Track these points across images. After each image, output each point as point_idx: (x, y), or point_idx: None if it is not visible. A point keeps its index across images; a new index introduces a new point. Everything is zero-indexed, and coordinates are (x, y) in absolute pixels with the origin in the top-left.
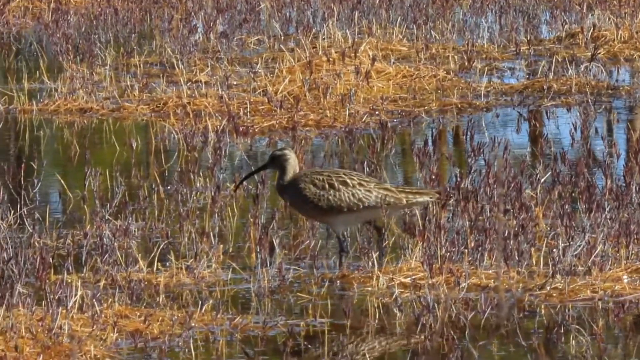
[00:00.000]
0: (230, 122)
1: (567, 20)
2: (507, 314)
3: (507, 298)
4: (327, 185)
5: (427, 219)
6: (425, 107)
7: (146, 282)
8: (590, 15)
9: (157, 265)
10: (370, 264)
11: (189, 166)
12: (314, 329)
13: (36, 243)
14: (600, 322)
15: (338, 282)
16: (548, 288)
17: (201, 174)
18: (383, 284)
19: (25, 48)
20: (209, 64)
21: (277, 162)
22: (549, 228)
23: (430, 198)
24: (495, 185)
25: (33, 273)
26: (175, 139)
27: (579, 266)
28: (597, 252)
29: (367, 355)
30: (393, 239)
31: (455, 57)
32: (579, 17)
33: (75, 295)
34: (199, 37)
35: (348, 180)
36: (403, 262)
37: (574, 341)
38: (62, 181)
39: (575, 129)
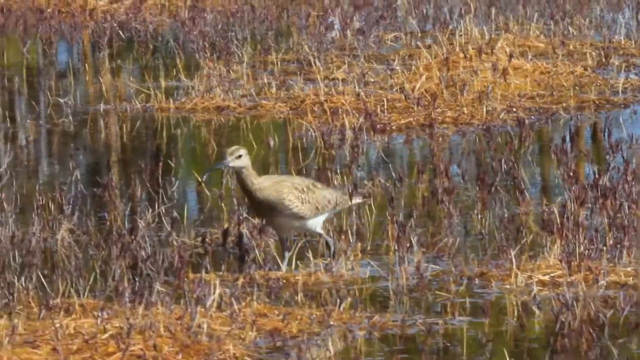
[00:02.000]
0: (368, 120)
1: None
2: None
3: None
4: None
5: (565, 216)
6: (563, 104)
7: (284, 281)
8: None
9: (295, 264)
10: (508, 261)
11: (326, 164)
12: (453, 327)
13: (174, 241)
14: None
15: (477, 280)
16: None
17: (338, 171)
18: (521, 282)
19: (162, 46)
20: (346, 61)
21: None
22: None
23: (362, 200)
24: (633, 182)
25: (171, 272)
26: (312, 136)
27: None
28: None
29: (506, 354)
30: (531, 236)
31: (593, 53)
32: None
33: (214, 293)
34: (336, 34)
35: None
36: (541, 259)
37: None
38: (199, 179)
39: None
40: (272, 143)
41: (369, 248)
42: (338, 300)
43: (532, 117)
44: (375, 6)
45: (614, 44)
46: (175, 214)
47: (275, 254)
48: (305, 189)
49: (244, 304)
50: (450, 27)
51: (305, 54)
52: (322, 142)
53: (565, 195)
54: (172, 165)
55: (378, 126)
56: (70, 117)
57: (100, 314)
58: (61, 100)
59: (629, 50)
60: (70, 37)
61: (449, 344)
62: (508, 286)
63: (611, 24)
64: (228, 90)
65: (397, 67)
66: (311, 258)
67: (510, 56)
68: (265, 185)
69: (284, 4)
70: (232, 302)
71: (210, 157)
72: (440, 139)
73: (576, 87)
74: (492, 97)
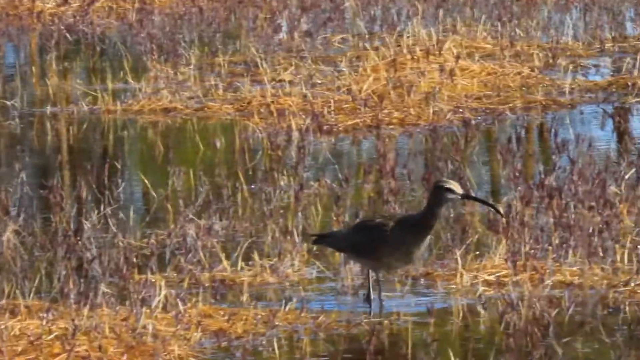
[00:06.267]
0: (314, 121)
1: None
2: (591, 311)
3: (591, 295)
4: None
5: (510, 216)
6: (510, 105)
7: (230, 282)
8: None
9: (241, 265)
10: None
11: (273, 165)
12: (398, 327)
13: (120, 243)
14: None
15: (422, 279)
16: (632, 285)
17: (285, 172)
18: (467, 282)
19: (109, 48)
20: (293, 62)
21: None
22: (633, 224)
23: None
24: (579, 182)
25: (117, 273)
26: (259, 138)
27: None
28: None
29: (451, 354)
30: (477, 236)
31: (540, 54)
32: None
33: (159, 294)
34: (283, 36)
35: None
36: (487, 259)
37: None
38: (145, 181)
39: None
40: (218, 144)
41: (315, 248)
42: (284, 301)
43: (479, 117)
44: (322, 8)
45: (561, 45)
46: (121, 215)
47: (220, 254)
48: None
49: (189, 304)
50: (398, 28)
51: (253, 55)
52: (268, 143)
53: (511, 195)
54: (119, 166)
55: (325, 127)
56: (17, 119)
57: (45, 315)
58: (8, 103)
59: (576, 51)
60: (17, 40)
61: (393, 344)
62: (453, 286)
63: (558, 25)
64: (175, 92)
65: (344, 69)
66: (257, 259)
67: (458, 57)
68: None
69: (232, 6)
70: (177, 303)
71: (157, 159)
72: (387, 139)
73: (523, 88)
74: (439, 98)
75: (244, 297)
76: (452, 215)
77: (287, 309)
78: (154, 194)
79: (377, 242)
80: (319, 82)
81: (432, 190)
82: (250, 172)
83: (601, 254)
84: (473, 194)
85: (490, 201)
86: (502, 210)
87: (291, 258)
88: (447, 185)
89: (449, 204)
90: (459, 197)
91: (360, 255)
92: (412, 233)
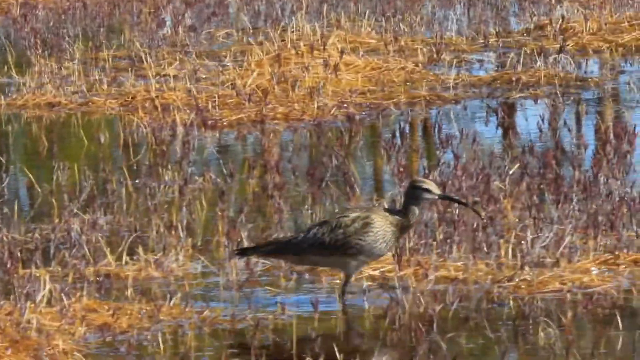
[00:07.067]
0: (199, 116)
1: (535, 12)
2: (476, 306)
3: (475, 290)
4: None
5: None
6: (394, 100)
7: (115, 276)
8: (559, 7)
9: (125, 259)
10: None
11: (157, 160)
12: (283, 322)
13: (4, 237)
14: (569, 314)
15: (307, 275)
16: (516, 280)
17: (169, 167)
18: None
19: None
20: (178, 57)
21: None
22: (517, 220)
23: None
24: (463, 178)
25: (1, 267)
26: (143, 133)
27: (547, 258)
28: (565, 243)
29: (336, 349)
30: None
31: (424, 49)
32: (548, 9)
33: (44, 289)
34: (168, 31)
35: None
36: None
37: (542, 333)
38: (30, 175)
39: (543, 120)
40: (103, 139)
41: (199, 243)
42: (168, 296)
43: (363, 112)
44: (206, 3)
45: (445, 40)
46: (5, 210)
47: (105, 249)
48: None
49: (73, 299)
50: (282, 23)
51: (137, 50)
52: (153, 138)
53: (395, 190)
54: (3, 161)
55: (209, 122)
56: None
57: None
58: None
59: (460, 46)
60: None
61: (278, 339)
62: (338, 281)
63: (443, 20)
64: (59, 86)
65: (228, 64)
66: (141, 253)
67: (342, 52)
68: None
69: (116, 0)
70: (62, 298)
71: (41, 153)
72: (272, 134)
73: (407, 83)
74: (323, 93)
75: (129, 292)
76: (336, 210)
77: (171, 303)
78: (38, 188)
79: (357, 237)
80: (204, 77)
81: (408, 189)
82: (135, 167)
83: (485, 249)
84: (451, 195)
85: (469, 202)
86: (481, 212)
87: (176, 253)
88: (425, 186)
89: (425, 203)
90: (436, 198)
91: (334, 253)
92: (394, 229)
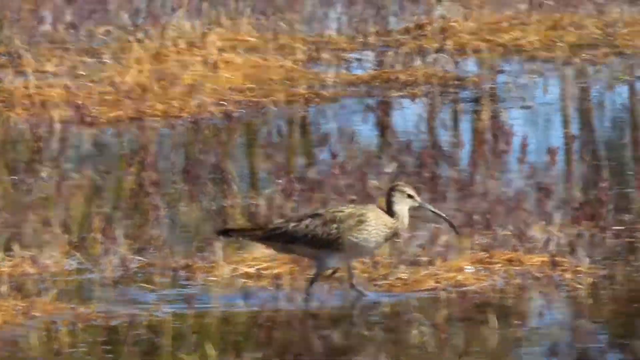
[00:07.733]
0: (77, 113)
1: (416, 11)
2: (351, 304)
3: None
4: None
5: (272, 208)
6: (273, 98)
7: None
8: (439, 6)
9: (1, 255)
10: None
11: (34, 156)
12: (158, 319)
13: None
14: (443, 312)
15: (182, 271)
16: (392, 278)
17: (46, 164)
18: (227, 274)
19: None
20: (57, 54)
21: None
22: None
23: None
24: (340, 176)
25: None
26: (21, 129)
27: (422, 256)
28: (440, 242)
29: (212, 345)
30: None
31: (304, 47)
32: (428, 9)
33: None
34: (47, 28)
35: None
36: (248, 252)
37: (416, 331)
38: None
39: (421, 119)
40: None
41: (75, 240)
42: (43, 292)
43: (242, 110)
44: (87, 0)
45: (325, 38)
46: None
47: None
48: None
49: None
50: (162, 21)
51: (16, 47)
52: (31, 134)
53: (273, 187)
54: None
55: (87, 119)
56: None
57: None
58: None
59: (340, 44)
60: None
61: (152, 335)
62: (214, 278)
63: (322, 19)
64: None
65: (108, 61)
66: (17, 249)
67: (221, 50)
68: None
69: None
70: None
71: None
72: (150, 131)
73: (286, 81)
74: (202, 91)
75: (4, 288)
76: (213, 208)
77: (46, 299)
78: None
79: (351, 233)
80: (83, 74)
81: (393, 193)
82: (12, 163)
83: None
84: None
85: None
86: (457, 228)
87: (51, 249)
88: (409, 192)
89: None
90: (417, 205)
91: (324, 247)
92: (387, 231)
